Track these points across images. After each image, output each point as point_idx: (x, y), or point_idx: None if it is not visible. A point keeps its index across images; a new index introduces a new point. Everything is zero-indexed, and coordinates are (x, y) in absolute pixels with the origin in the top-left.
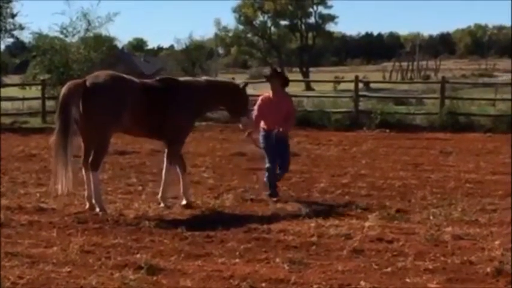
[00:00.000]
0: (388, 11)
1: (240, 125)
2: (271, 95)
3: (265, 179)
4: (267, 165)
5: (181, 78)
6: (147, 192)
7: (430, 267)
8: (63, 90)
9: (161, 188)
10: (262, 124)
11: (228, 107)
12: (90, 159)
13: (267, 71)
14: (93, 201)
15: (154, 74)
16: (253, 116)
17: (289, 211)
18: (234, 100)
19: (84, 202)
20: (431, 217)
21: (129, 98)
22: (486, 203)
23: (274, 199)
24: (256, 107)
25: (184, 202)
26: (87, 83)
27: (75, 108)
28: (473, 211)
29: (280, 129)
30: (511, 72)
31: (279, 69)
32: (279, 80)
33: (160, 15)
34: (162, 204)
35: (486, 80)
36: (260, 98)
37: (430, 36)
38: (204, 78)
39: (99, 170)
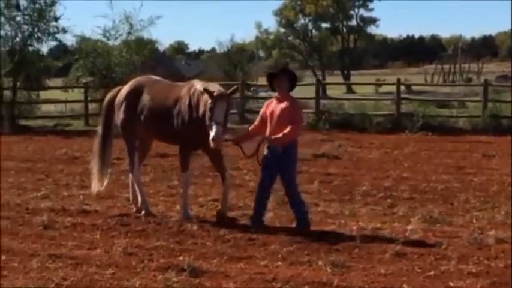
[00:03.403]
0: (430, 13)
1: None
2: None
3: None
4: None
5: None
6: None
7: (474, 270)
8: (108, 95)
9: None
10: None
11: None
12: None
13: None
14: (138, 202)
15: (195, 76)
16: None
17: (331, 214)
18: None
19: (126, 204)
20: (474, 220)
21: (142, 102)
22: None
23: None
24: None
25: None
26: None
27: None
28: None
29: (271, 138)
30: None
31: (290, 68)
32: (284, 80)
33: (201, 18)
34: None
35: None
36: (265, 103)
37: (472, 39)
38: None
39: (135, 170)
